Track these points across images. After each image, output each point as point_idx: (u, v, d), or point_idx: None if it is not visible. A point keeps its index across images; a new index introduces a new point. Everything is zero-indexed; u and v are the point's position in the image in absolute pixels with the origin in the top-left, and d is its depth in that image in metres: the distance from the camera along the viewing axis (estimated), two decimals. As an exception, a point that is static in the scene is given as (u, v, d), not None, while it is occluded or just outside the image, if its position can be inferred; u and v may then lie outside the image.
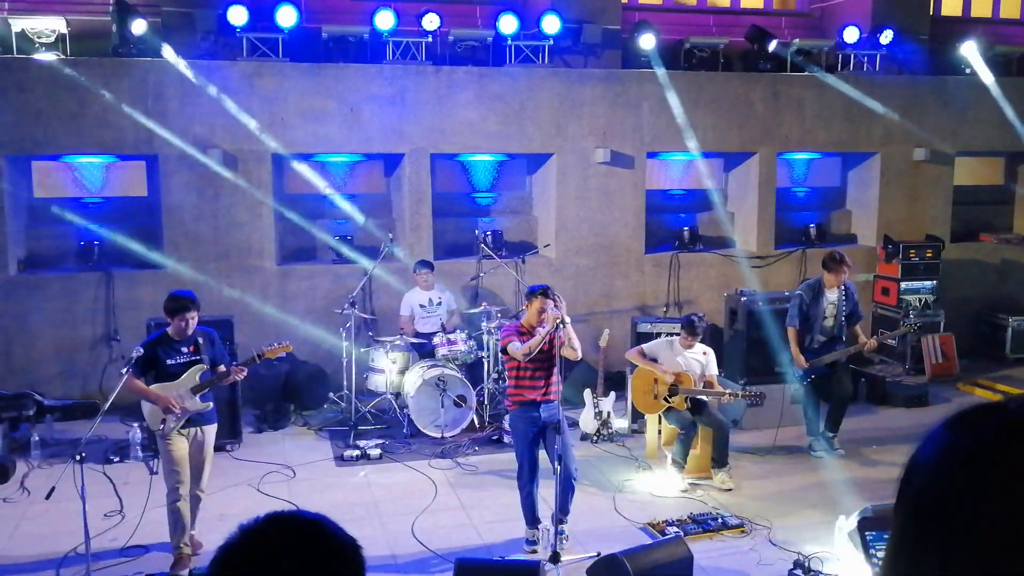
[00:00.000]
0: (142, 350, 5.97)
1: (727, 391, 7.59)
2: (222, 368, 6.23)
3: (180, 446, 6.07)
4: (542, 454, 6.40)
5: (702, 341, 7.94)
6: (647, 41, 10.47)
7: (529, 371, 6.24)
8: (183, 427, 6.06)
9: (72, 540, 6.12)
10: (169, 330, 6.13)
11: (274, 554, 1.48)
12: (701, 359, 7.75)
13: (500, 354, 6.51)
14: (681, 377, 7.63)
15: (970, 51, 11.66)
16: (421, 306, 9.50)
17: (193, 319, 6.06)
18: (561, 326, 6.14)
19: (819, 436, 8.35)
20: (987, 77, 11.69)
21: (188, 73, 9.38)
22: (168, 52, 9.44)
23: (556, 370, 6.22)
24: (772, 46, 11.02)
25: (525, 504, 6.38)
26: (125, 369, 5.95)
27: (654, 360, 7.74)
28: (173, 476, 6.04)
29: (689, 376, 7.63)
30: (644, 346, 7.93)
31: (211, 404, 6.20)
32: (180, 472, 6.05)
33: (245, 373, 6.31)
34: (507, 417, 8.42)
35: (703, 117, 10.91)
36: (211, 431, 6.27)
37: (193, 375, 6.09)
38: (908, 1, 12.06)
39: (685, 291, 11.09)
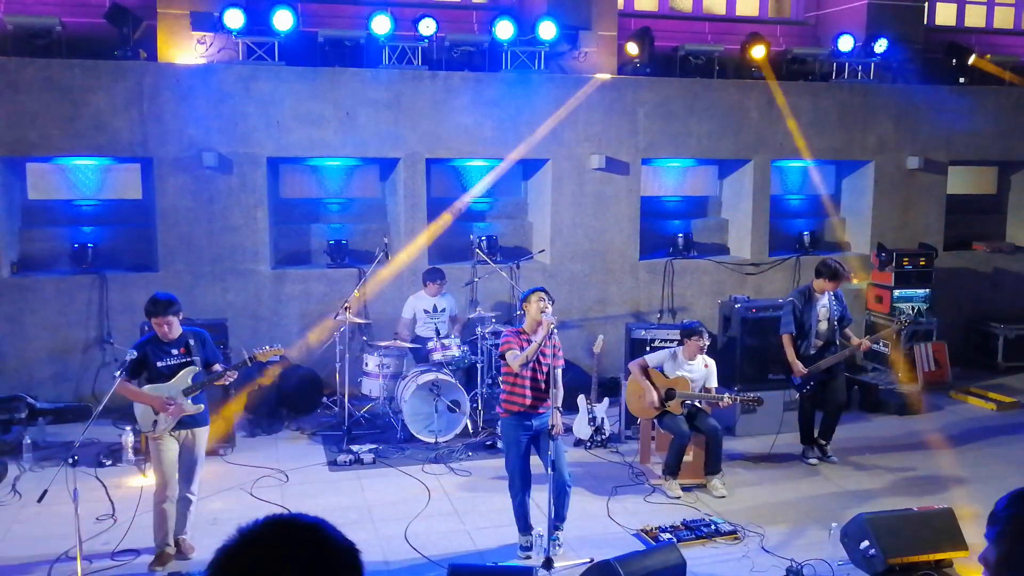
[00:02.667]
0: (135, 353, 5.98)
1: (725, 395, 7.57)
2: (217, 367, 6.23)
3: (170, 448, 6.09)
4: (535, 460, 6.40)
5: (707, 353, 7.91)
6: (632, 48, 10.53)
7: (524, 380, 6.23)
8: (174, 429, 6.07)
9: (64, 543, 6.09)
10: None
11: (273, 558, 1.48)
12: (703, 371, 7.73)
13: (500, 359, 6.49)
14: (677, 382, 7.63)
15: (976, 61, 11.80)
16: (425, 311, 9.49)
17: (172, 323, 6.05)
18: (555, 331, 6.18)
19: (813, 444, 8.36)
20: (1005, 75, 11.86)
21: (183, 76, 9.38)
22: (163, 55, 9.43)
23: (551, 381, 6.21)
24: (760, 54, 11.04)
25: (518, 511, 6.36)
26: (118, 372, 5.94)
27: (660, 370, 7.72)
28: (161, 478, 6.07)
29: (686, 380, 7.62)
30: (648, 357, 7.83)
31: (203, 406, 6.19)
32: (168, 475, 6.07)
33: (235, 376, 6.29)
34: (499, 424, 8.47)
35: (698, 124, 10.94)
36: (202, 433, 6.26)
37: (184, 377, 6.09)
38: (902, 10, 12.12)
39: (679, 298, 11.10)
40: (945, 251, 12.00)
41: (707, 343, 7.71)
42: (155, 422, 6.03)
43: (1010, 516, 1.84)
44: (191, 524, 6.33)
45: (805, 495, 7.52)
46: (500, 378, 6.79)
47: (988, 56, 12.25)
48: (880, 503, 7.08)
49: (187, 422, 6.12)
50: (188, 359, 6.13)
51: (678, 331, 8.52)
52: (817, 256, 11.47)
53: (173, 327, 6.08)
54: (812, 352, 8.18)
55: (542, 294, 6.29)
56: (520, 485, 6.30)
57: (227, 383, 6.33)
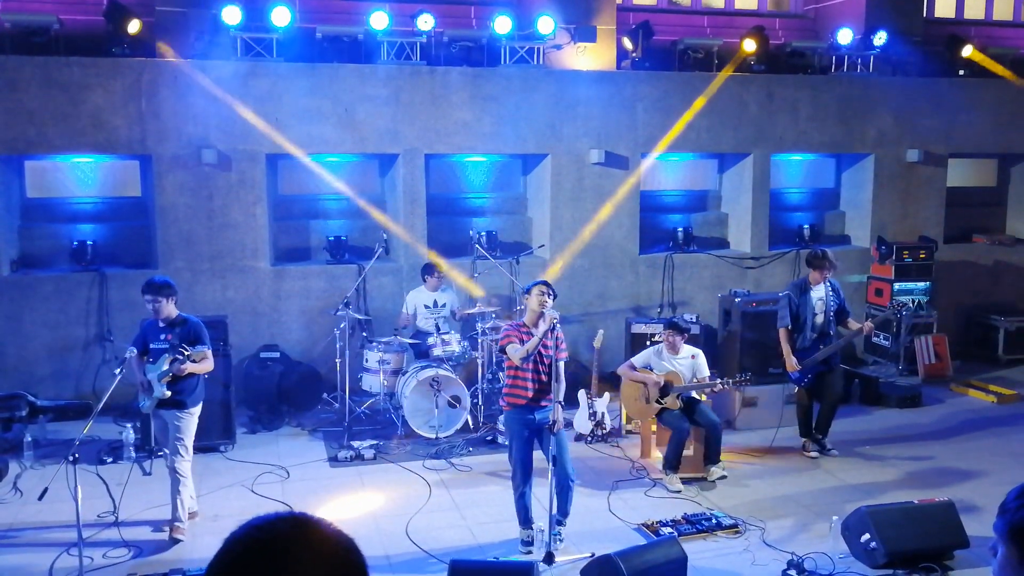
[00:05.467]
0: (135, 350, 6.39)
1: (717, 382, 7.60)
2: (199, 349, 6.43)
3: (156, 424, 6.77)
4: (537, 455, 6.40)
5: (691, 344, 7.93)
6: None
7: (526, 373, 6.23)
8: (157, 409, 6.43)
9: (65, 540, 6.10)
10: None
11: (274, 555, 1.48)
12: (690, 363, 7.76)
13: (500, 353, 6.50)
14: (671, 376, 7.64)
15: (972, 53, 11.75)
16: (426, 307, 9.49)
17: (159, 303, 6.37)
18: (557, 326, 6.18)
19: (812, 437, 8.37)
20: (1002, 73, 11.78)
21: (182, 73, 9.36)
22: (162, 52, 9.41)
23: (553, 374, 6.21)
24: (752, 47, 10.99)
25: (519, 505, 6.37)
26: (118, 371, 6.15)
27: (648, 368, 7.75)
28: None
29: (677, 374, 7.64)
30: (634, 359, 7.94)
31: (170, 393, 6.34)
32: (160, 444, 6.80)
33: (186, 369, 6.33)
34: (501, 417, 8.47)
35: (697, 118, 10.90)
36: (182, 415, 6.44)
37: (161, 364, 6.34)
38: (901, 3, 12.10)
39: (679, 292, 11.10)
40: (945, 244, 11.98)
41: (682, 337, 7.74)
42: (143, 401, 6.47)
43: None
44: (187, 513, 6.48)
45: (806, 488, 7.52)
46: (499, 372, 6.79)
47: (988, 49, 12.21)
48: (881, 496, 7.08)
49: (167, 403, 6.39)
50: (168, 346, 6.38)
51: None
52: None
53: (164, 309, 6.39)
54: (808, 344, 8.18)
55: (543, 287, 6.31)
56: (521, 478, 6.30)
57: (182, 374, 6.35)
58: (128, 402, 6.81)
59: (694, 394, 7.71)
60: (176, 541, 6.33)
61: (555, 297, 6.36)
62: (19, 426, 8.27)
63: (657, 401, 7.62)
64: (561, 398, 6.23)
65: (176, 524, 6.39)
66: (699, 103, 10.72)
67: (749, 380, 7.76)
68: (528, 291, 6.42)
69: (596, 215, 10.72)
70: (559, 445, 6.15)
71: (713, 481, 7.47)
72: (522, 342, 6.21)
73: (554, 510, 6.10)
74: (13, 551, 6.26)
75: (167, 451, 6.53)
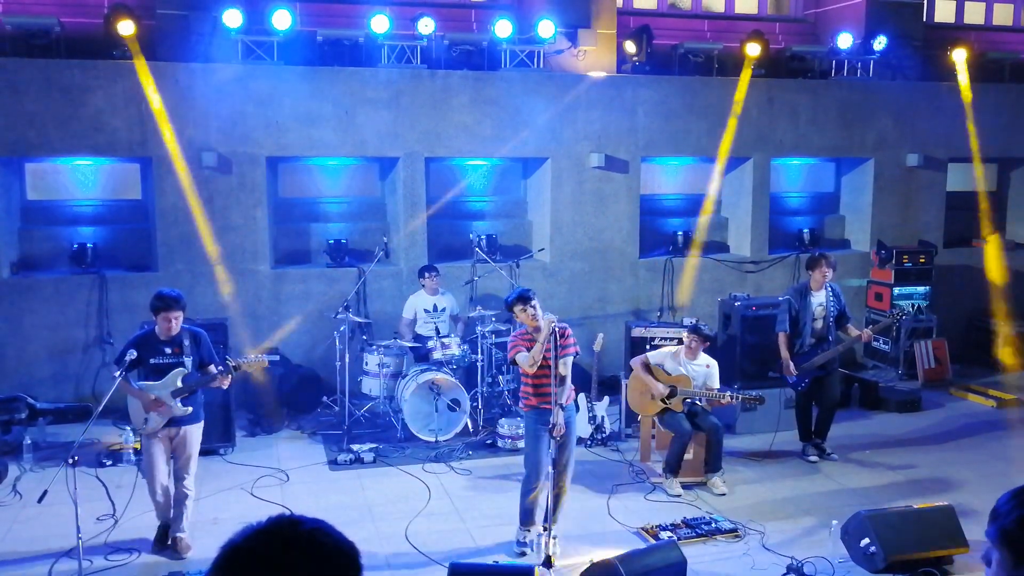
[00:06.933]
0: (135, 353, 6.06)
1: (726, 394, 7.57)
2: (211, 368, 6.28)
3: (158, 447, 6.23)
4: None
5: (707, 352, 7.90)
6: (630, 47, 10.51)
7: (536, 379, 6.22)
8: (164, 427, 6.19)
9: (64, 543, 6.09)
10: (156, 328, 6.20)
11: (275, 559, 1.48)
12: (704, 371, 7.73)
13: (511, 364, 6.48)
14: (679, 379, 7.63)
15: (958, 61, 11.67)
16: (426, 311, 9.49)
17: (177, 319, 6.14)
18: (557, 328, 6.16)
19: (811, 441, 8.36)
20: (967, 88, 11.72)
21: (182, 76, 9.36)
22: (162, 55, 9.42)
23: (554, 379, 6.18)
24: (755, 52, 10.98)
25: (526, 505, 6.32)
26: (118, 373, 6.00)
27: (661, 367, 7.74)
28: (150, 474, 6.24)
29: (688, 378, 7.63)
30: (649, 355, 7.89)
31: (190, 409, 6.22)
32: (156, 471, 6.22)
33: (229, 382, 6.31)
34: (501, 420, 8.47)
35: (697, 122, 10.93)
36: (194, 430, 6.32)
37: (174, 379, 6.15)
38: (901, 8, 12.11)
39: (679, 296, 11.10)
40: (945, 248, 11.99)
41: (704, 344, 7.72)
42: (146, 420, 6.16)
43: (1018, 517, 1.82)
44: (189, 522, 6.36)
45: (805, 492, 7.52)
46: (500, 375, 6.76)
47: (987, 53, 12.22)
48: (880, 500, 7.08)
49: (178, 420, 6.21)
50: (179, 360, 6.18)
51: (678, 329, 8.54)
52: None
53: (177, 323, 6.16)
54: (806, 349, 8.19)
55: (522, 304, 6.21)
56: (534, 478, 6.28)
57: (222, 387, 6.30)
58: (127, 406, 6.73)
59: (698, 401, 7.69)
60: (181, 557, 6.18)
61: (535, 296, 6.31)
62: (19, 428, 8.27)
63: (663, 400, 7.61)
64: (563, 400, 6.20)
65: (179, 536, 6.27)
66: (739, 96, 10.78)
67: (760, 401, 7.73)
68: (510, 308, 6.37)
69: (596, 219, 10.72)
70: (559, 450, 6.14)
71: (717, 494, 7.45)
72: (528, 350, 6.20)
73: (550, 514, 6.09)
74: (12, 553, 6.25)
75: (171, 469, 6.31)
